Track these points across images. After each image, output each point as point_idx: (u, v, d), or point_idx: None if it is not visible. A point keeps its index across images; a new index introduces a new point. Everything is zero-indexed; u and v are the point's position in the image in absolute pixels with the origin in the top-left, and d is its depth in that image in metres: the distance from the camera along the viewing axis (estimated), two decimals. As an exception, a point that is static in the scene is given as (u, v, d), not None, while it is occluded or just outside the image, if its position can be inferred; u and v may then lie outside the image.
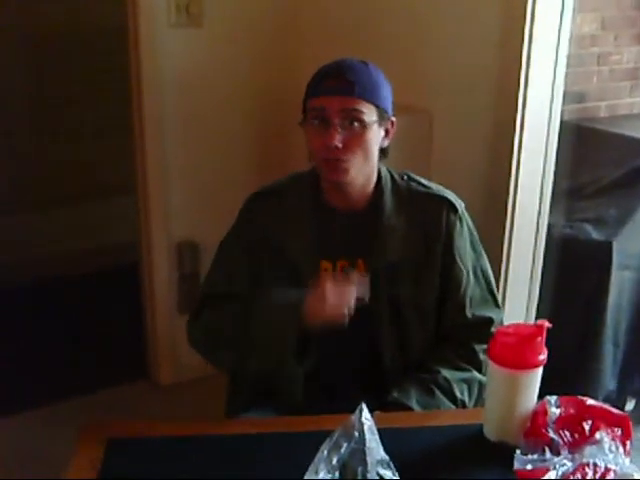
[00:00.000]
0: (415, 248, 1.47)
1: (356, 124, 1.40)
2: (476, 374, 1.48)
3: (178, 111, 2.62)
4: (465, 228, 1.53)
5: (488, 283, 1.57)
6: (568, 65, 3.09)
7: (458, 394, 1.46)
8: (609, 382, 2.70)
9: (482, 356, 1.48)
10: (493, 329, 1.50)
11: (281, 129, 2.65)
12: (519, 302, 2.21)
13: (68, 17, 3.58)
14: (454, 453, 1.29)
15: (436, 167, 2.29)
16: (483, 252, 1.58)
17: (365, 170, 1.46)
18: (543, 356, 1.26)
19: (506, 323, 2.17)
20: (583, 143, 2.97)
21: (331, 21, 2.52)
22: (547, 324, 1.24)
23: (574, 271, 2.59)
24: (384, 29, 2.34)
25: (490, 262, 2.15)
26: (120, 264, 3.21)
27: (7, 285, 3.36)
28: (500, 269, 2.12)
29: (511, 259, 2.11)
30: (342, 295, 1.34)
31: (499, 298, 1.59)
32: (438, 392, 1.45)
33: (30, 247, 3.53)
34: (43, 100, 3.70)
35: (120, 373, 2.90)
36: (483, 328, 1.51)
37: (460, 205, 1.54)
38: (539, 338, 1.24)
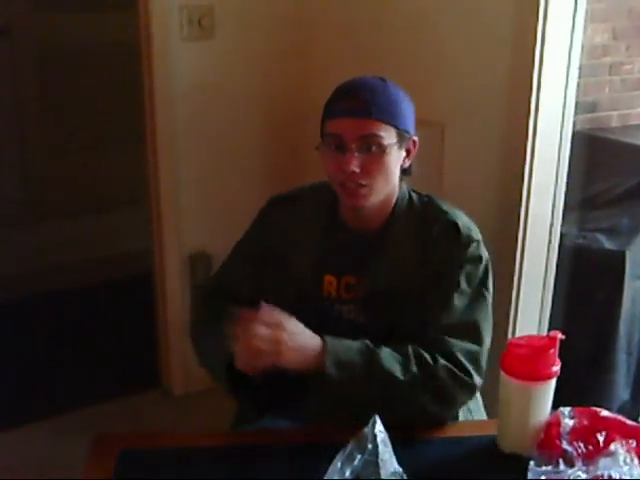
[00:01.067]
0: (419, 274, 1.40)
1: (374, 148, 1.35)
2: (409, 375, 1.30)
3: (190, 123, 2.64)
4: (469, 260, 1.40)
5: (476, 324, 1.38)
6: (580, 75, 3.10)
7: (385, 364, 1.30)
8: (623, 392, 2.69)
9: (441, 369, 1.31)
10: (464, 358, 1.35)
11: (294, 140, 2.66)
12: (531, 312, 2.21)
13: (81, 30, 3.60)
14: (467, 465, 1.29)
15: (448, 178, 2.29)
16: (487, 301, 1.41)
17: (384, 193, 1.41)
18: (556, 367, 1.26)
19: (518, 334, 2.19)
20: (595, 153, 2.97)
21: (344, 34, 2.53)
22: (560, 335, 1.24)
23: (587, 281, 2.58)
24: (396, 42, 2.34)
25: (502, 273, 2.16)
26: (133, 275, 3.22)
27: (20, 295, 3.39)
28: (512, 280, 2.12)
29: (523, 269, 2.11)
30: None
31: (486, 345, 1.39)
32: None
33: (44, 257, 3.56)
34: (57, 112, 3.73)
35: (133, 383, 2.90)
36: (450, 352, 1.34)
37: (470, 236, 1.42)
38: (552, 350, 1.24)
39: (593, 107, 3.22)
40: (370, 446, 1.01)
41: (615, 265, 2.50)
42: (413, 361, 1.31)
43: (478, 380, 1.36)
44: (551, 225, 2.13)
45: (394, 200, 1.45)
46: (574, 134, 3.03)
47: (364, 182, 1.35)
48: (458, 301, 1.38)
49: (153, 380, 2.93)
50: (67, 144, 3.75)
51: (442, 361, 1.32)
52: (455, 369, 1.33)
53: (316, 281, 1.45)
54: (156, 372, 2.94)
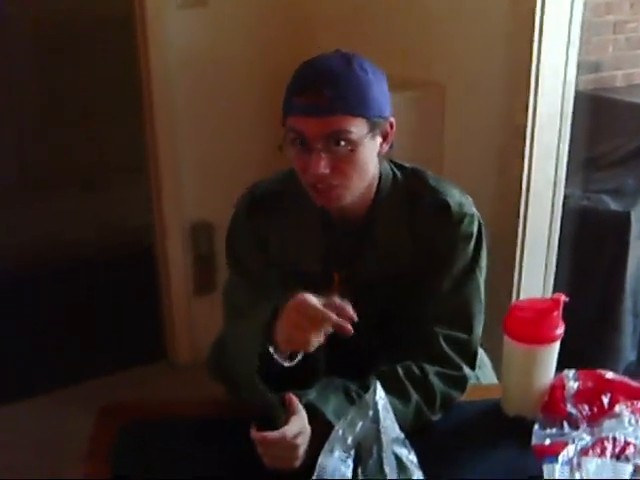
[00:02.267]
0: (410, 258, 1.32)
1: (343, 144, 1.19)
2: (412, 405, 1.24)
3: (188, 92, 2.60)
4: (459, 240, 1.32)
5: (465, 309, 1.32)
6: (583, 34, 3.05)
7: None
8: (629, 353, 2.69)
9: (432, 378, 1.27)
10: (452, 351, 1.30)
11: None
12: (536, 275, 2.19)
13: (76, 3, 3.57)
14: (471, 429, 1.28)
15: (449, 140, 2.27)
16: (477, 279, 1.34)
17: (361, 188, 1.27)
18: (560, 330, 1.24)
19: (523, 297, 2.18)
20: (599, 113, 2.93)
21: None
22: (563, 298, 1.23)
23: (592, 243, 2.56)
24: (396, 2, 2.30)
25: (506, 236, 2.15)
26: (136, 248, 3.21)
27: (23, 271, 3.39)
28: (516, 243, 2.10)
29: (527, 232, 2.09)
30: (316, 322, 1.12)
31: (476, 331, 1.34)
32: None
33: (44, 231, 3.54)
34: (55, 87, 3.70)
35: (138, 355, 2.91)
36: (438, 345, 1.30)
37: (463, 213, 1.32)
38: (555, 312, 1.22)
39: (597, 67, 3.17)
40: (371, 413, 1.00)
41: (620, 226, 2.48)
42: (408, 385, 1.24)
43: (468, 371, 1.32)
44: (554, 186, 2.11)
45: (376, 184, 1.32)
46: (577, 94, 3.01)
47: (336, 182, 1.22)
48: (448, 284, 1.31)
49: (158, 351, 2.94)
50: (64, 118, 3.72)
51: (430, 368, 1.27)
52: (445, 369, 1.29)
53: (328, 279, 1.33)
54: (161, 343, 2.94)
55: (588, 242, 2.56)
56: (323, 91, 1.16)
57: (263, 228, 1.37)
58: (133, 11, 2.47)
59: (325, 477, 0.98)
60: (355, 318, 1.12)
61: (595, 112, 2.94)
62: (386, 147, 1.28)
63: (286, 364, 1.17)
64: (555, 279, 2.32)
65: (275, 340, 1.16)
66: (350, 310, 1.13)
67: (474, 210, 1.34)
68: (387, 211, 1.32)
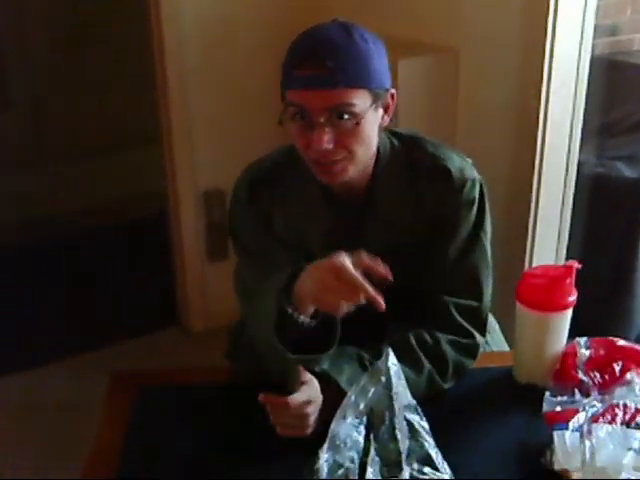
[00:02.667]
0: (414, 227, 1.31)
1: (346, 116, 1.15)
2: (425, 374, 1.25)
3: (201, 61, 2.59)
4: (462, 205, 1.30)
5: (473, 275, 1.32)
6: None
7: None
8: (643, 322, 2.69)
9: (445, 346, 1.27)
10: (463, 319, 1.30)
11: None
12: (549, 242, 2.18)
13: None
14: (483, 396, 1.29)
15: (463, 106, 2.24)
16: (483, 243, 1.33)
17: (365, 161, 1.25)
18: (572, 297, 1.24)
19: (536, 264, 2.17)
20: (616, 78, 2.88)
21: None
22: (576, 265, 1.22)
23: (606, 210, 2.54)
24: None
25: (519, 202, 2.13)
26: (149, 214, 3.22)
27: (37, 238, 3.42)
28: (529, 209, 2.09)
29: (540, 198, 2.07)
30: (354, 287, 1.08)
31: (486, 297, 1.34)
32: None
33: (59, 199, 3.56)
34: (68, 52, 3.68)
35: (151, 321, 2.94)
36: (449, 315, 1.30)
37: (464, 177, 1.29)
38: (568, 279, 1.22)
39: (614, 30, 3.10)
40: (383, 379, 1.01)
41: (634, 193, 2.45)
42: (421, 354, 1.25)
43: (480, 338, 1.32)
44: (568, 152, 2.08)
45: (375, 157, 1.29)
46: (593, 58, 2.95)
47: (340, 157, 1.19)
48: (454, 252, 1.30)
49: (171, 318, 2.96)
50: (78, 85, 3.71)
51: (442, 336, 1.27)
52: (457, 337, 1.29)
53: (332, 253, 1.23)
54: (174, 310, 2.97)
55: (602, 209, 2.53)
56: (324, 62, 1.12)
57: (266, 206, 1.34)
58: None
59: (337, 443, 0.99)
60: (390, 277, 1.09)
61: (611, 77, 2.89)
62: (387, 119, 1.25)
63: (305, 319, 1.14)
64: (568, 246, 2.31)
65: (296, 296, 1.13)
66: (382, 268, 1.09)
67: (475, 174, 1.32)
68: (387, 181, 1.30)
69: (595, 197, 2.50)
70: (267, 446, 1.14)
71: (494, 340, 1.53)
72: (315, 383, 1.14)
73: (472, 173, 1.32)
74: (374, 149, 1.26)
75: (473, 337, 1.30)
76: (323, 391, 1.15)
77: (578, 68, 2.00)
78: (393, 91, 1.25)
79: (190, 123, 2.65)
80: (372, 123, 1.20)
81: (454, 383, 1.28)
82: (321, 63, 1.12)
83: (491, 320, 1.58)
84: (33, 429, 2.39)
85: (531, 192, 2.09)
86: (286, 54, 1.19)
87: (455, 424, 1.19)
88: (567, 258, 2.32)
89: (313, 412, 1.12)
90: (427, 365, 1.24)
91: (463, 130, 2.24)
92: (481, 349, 1.35)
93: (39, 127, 3.71)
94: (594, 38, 3.00)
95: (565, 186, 2.15)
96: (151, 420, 1.26)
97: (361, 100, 1.16)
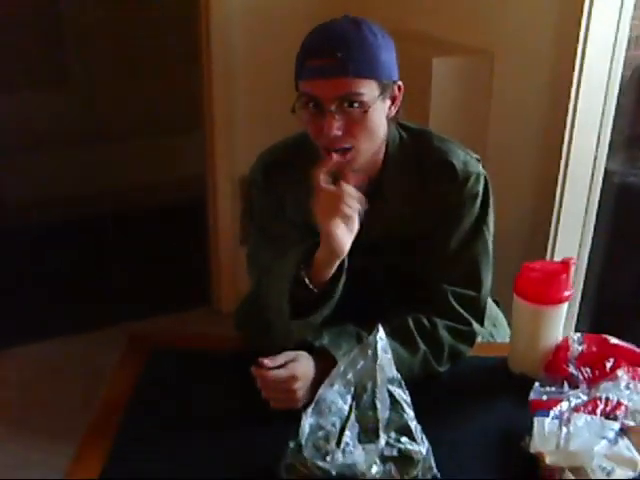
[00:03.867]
0: (419, 218, 1.36)
1: (356, 105, 1.22)
2: (419, 355, 1.31)
3: (245, 48, 2.67)
4: (465, 199, 1.35)
5: (473, 267, 1.37)
6: (636, 9, 2.97)
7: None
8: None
9: (441, 331, 1.33)
10: (461, 307, 1.35)
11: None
12: (570, 245, 2.20)
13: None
14: (476, 381, 1.34)
15: (495, 107, 2.28)
16: (484, 236, 1.38)
17: (372, 150, 1.31)
18: (568, 292, 1.28)
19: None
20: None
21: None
22: (573, 261, 1.26)
23: (635, 220, 2.54)
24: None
25: (543, 203, 2.15)
26: (188, 198, 3.33)
27: (82, 214, 3.58)
28: (552, 211, 2.11)
29: (564, 201, 2.10)
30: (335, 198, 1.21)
31: (485, 288, 1.39)
32: None
33: (102, 180, 3.70)
34: (119, 39, 3.81)
35: (183, 300, 3.05)
36: (447, 302, 1.35)
37: (468, 172, 1.35)
38: (564, 275, 1.26)
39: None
40: (370, 352, 1.07)
41: (664, 204, 2.46)
42: (417, 336, 1.30)
43: (477, 327, 1.37)
44: (595, 159, 2.10)
45: (383, 148, 1.35)
46: (634, 69, 2.94)
47: (348, 145, 1.25)
48: (456, 243, 1.35)
49: (203, 298, 3.06)
50: (127, 71, 3.85)
51: (440, 321, 1.33)
52: (454, 323, 1.34)
53: None
54: (206, 290, 3.06)
55: (632, 218, 2.54)
56: (335, 53, 1.18)
57: (279, 189, 1.41)
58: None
59: (322, 407, 1.05)
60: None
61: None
62: (394, 110, 1.31)
63: (314, 289, 1.24)
64: (592, 253, 2.32)
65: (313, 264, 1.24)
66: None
67: (480, 169, 1.37)
68: (395, 172, 1.36)
69: (626, 206, 2.52)
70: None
71: (499, 333, 1.57)
72: (304, 360, 1.23)
73: (476, 168, 1.37)
74: (381, 137, 1.31)
75: (470, 325, 1.35)
76: (322, 365, 1.22)
77: (609, 76, 2.02)
78: (400, 83, 1.30)
79: (232, 113, 2.73)
80: (379, 112, 1.26)
81: (449, 367, 1.34)
82: (332, 54, 1.19)
83: (499, 314, 1.63)
84: (67, 389, 2.53)
85: (555, 195, 2.12)
86: (300, 47, 1.26)
87: (444, 404, 1.25)
88: (589, 265, 2.33)
89: (301, 387, 1.20)
90: (422, 347, 1.30)
91: (495, 131, 2.28)
92: (480, 338, 1.39)
93: (90, 108, 3.85)
94: (635, 49, 3.00)
95: (590, 191, 2.17)
96: (159, 380, 1.34)
97: (369, 90, 1.22)
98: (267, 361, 1.20)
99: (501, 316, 1.62)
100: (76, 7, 3.70)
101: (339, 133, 1.22)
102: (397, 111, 1.32)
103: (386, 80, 1.25)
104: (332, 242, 1.21)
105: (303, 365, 1.23)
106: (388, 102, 1.29)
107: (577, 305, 2.25)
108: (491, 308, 1.55)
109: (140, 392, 1.30)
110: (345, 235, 1.21)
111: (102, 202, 3.66)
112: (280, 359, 1.22)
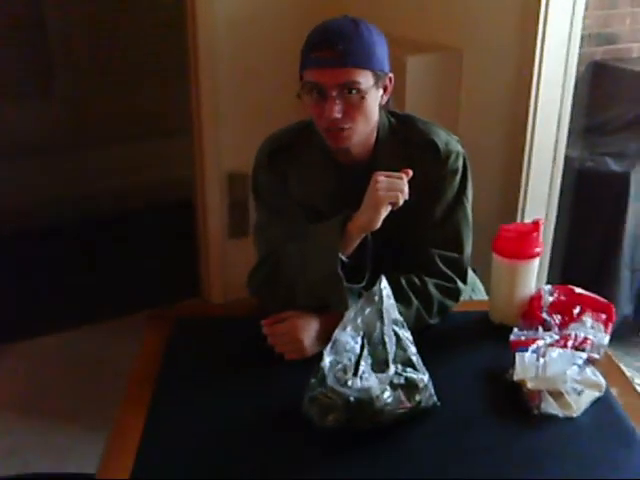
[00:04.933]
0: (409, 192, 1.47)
1: (354, 92, 1.41)
2: (413, 309, 1.50)
3: (230, 58, 2.83)
4: (447, 174, 1.54)
5: (456, 232, 1.57)
6: (601, 7, 3.21)
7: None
8: (626, 307, 2.89)
9: (431, 288, 1.52)
10: (447, 268, 1.54)
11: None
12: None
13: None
14: (462, 331, 1.54)
15: (464, 99, 2.48)
16: (465, 206, 1.57)
17: (366, 131, 1.49)
18: (539, 249, 1.48)
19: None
20: (613, 82, 3.11)
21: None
22: (542, 221, 1.47)
23: (593, 201, 2.77)
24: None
25: (511, 187, 2.36)
26: (178, 196, 3.50)
27: (73, 217, 3.74)
28: (519, 193, 2.33)
29: (529, 184, 2.31)
30: (394, 184, 1.41)
31: (467, 251, 1.59)
32: None
33: (93, 182, 3.86)
34: (107, 44, 3.95)
35: (174, 293, 3.20)
36: (435, 264, 1.54)
37: (449, 150, 1.54)
38: (535, 233, 1.47)
39: (614, 38, 3.32)
40: (376, 298, 1.26)
41: (620, 186, 2.68)
42: (410, 293, 1.49)
43: (461, 285, 1.57)
44: (556, 143, 2.31)
45: (375, 132, 1.53)
46: (594, 64, 3.18)
47: (346, 126, 1.43)
48: (440, 212, 1.54)
49: (193, 290, 3.22)
50: (116, 76, 3.99)
51: (429, 279, 1.52)
52: (441, 281, 1.53)
53: (337, 214, 1.51)
54: (196, 282, 3.22)
55: (590, 200, 2.77)
56: (336, 46, 1.37)
57: (283, 169, 1.59)
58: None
59: (338, 347, 1.24)
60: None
61: (609, 81, 3.13)
62: (385, 98, 1.51)
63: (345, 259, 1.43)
64: (556, 233, 2.54)
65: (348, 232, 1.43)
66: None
67: (459, 148, 1.57)
68: (386, 153, 1.54)
69: (585, 189, 2.75)
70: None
71: (477, 296, 1.78)
72: (305, 315, 1.45)
73: (456, 147, 1.57)
74: (375, 121, 1.50)
75: (455, 282, 1.55)
76: (327, 319, 1.43)
77: (566, 71, 2.24)
78: (391, 75, 1.50)
79: (218, 115, 2.90)
80: (374, 99, 1.45)
81: (438, 320, 1.54)
82: (334, 47, 1.38)
83: (476, 280, 1.83)
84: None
85: (521, 181, 2.33)
86: (304, 42, 1.44)
87: (437, 349, 1.44)
88: (554, 244, 2.55)
89: (306, 337, 1.42)
90: (415, 302, 1.49)
91: (464, 120, 2.49)
92: (463, 295, 1.59)
93: (76, 114, 3.98)
94: (596, 45, 3.24)
95: (552, 178, 2.38)
96: (186, 347, 1.50)
97: (365, 79, 1.41)
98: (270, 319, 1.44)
99: (479, 282, 1.83)
100: (60, 16, 3.82)
101: (339, 116, 1.41)
102: (388, 100, 1.52)
103: (380, 71, 1.44)
104: (376, 220, 1.41)
105: (304, 317, 1.45)
106: (381, 91, 1.48)
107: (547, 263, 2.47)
108: (470, 276, 1.74)
109: (170, 360, 1.46)
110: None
111: (93, 203, 3.80)
112: (283, 315, 1.46)
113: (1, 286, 3.12)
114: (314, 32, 1.45)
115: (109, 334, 2.94)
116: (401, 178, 1.41)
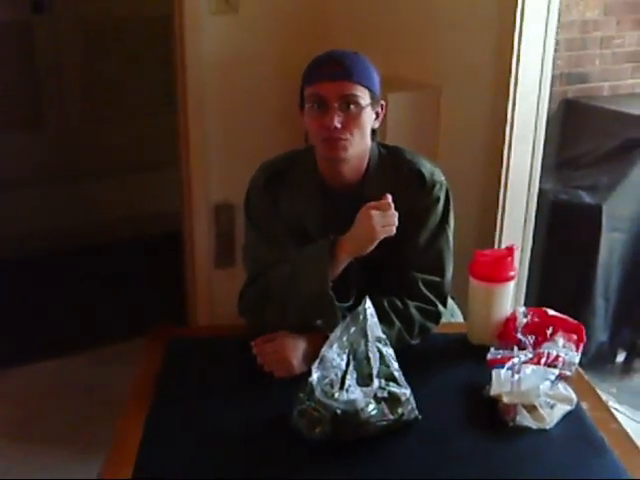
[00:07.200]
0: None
1: (352, 107, 1.53)
2: (395, 330, 1.57)
3: (218, 92, 2.91)
4: (432, 202, 1.64)
5: (438, 258, 1.65)
6: (572, 48, 3.37)
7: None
8: (600, 335, 2.97)
9: (412, 310, 1.60)
10: (428, 291, 1.63)
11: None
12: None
13: (120, 6, 3.91)
14: (442, 351, 1.63)
15: (444, 135, 2.59)
16: (447, 233, 1.67)
17: (360, 148, 1.59)
18: (513, 273, 1.58)
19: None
20: (584, 119, 3.26)
21: (356, 7, 2.81)
22: (516, 246, 1.57)
23: (568, 233, 2.88)
24: (399, 10, 2.62)
25: (485, 221, 2.46)
26: (165, 228, 3.58)
27: (64, 248, 3.80)
28: (495, 225, 2.42)
29: (505, 216, 2.41)
30: (388, 217, 1.51)
31: (448, 276, 1.68)
32: None
33: (83, 213, 3.92)
34: (96, 80, 4.01)
35: (164, 321, 3.23)
36: (417, 287, 1.63)
37: (434, 180, 1.64)
38: (509, 258, 1.56)
39: (585, 78, 3.48)
40: (361, 317, 1.34)
41: (593, 217, 2.80)
42: (392, 315, 1.57)
43: (442, 308, 1.66)
44: (530, 178, 2.41)
45: (367, 158, 1.64)
46: (567, 102, 3.33)
47: (344, 136, 1.54)
48: (424, 238, 1.64)
49: (180, 318, 3.28)
50: (105, 109, 4.06)
51: (411, 302, 1.61)
52: (422, 304, 1.62)
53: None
54: (183, 313, 3.28)
55: (565, 231, 2.88)
56: (342, 63, 1.53)
57: (276, 193, 1.68)
58: (172, 16, 2.82)
59: (325, 363, 1.32)
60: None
61: (581, 118, 3.27)
62: (377, 124, 1.63)
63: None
64: (532, 263, 2.63)
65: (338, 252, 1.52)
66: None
67: (442, 178, 1.68)
68: (375, 181, 1.64)
69: (559, 221, 2.86)
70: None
71: (456, 320, 1.86)
72: (293, 335, 1.54)
73: (440, 177, 1.68)
74: (368, 142, 1.62)
75: (436, 306, 1.64)
76: (314, 340, 1.51)
77: (538, 109, 2.35)
78: (384, 103, 1.64)
79: (206, 149, 3.00)
80: (368, 118, 1.58)
81: (419, 341, 1.62)
82: (339, 63, 1.54)
83: (454, 307, 1.91)
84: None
85: (497, 213, 2.43)
86: (307, 66, 1.59)
87: (419, 366, 1.51)
88: (530, 276, 2.63)
89: (294, 356, 1.50)
90: (397, 323, 1.58)
91: (443, 154, 2.58)
92: (443, 318, 1.68)
93: (66, 147, 4.05)
94: (567, 84, 3.39)
95: (527, 210, 2.48)
96: (182, 366, 1.59)
97: (365, 96, 1.56)
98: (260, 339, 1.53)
99: (457, 308, 1.91)
100: (51, 48, 3.90)
101: (339, 125, 1.53)
102: (378, 125, 1.64)
103: (375, 93, 1.59)
104: (368, 249, 1.52)
105: (292, 337, 1.54)
106: (374, 115, 1.61)
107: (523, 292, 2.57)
108: (449, 303, 1.80)
109: (167, 374, 1.55)
110: None
111: (81, 235, 3.87)
112: (271, 336, 1.54)
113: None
114: (320, 55, 1.59)
115: (99, 362, 2.99)
116: (389, 209, 1.51)
